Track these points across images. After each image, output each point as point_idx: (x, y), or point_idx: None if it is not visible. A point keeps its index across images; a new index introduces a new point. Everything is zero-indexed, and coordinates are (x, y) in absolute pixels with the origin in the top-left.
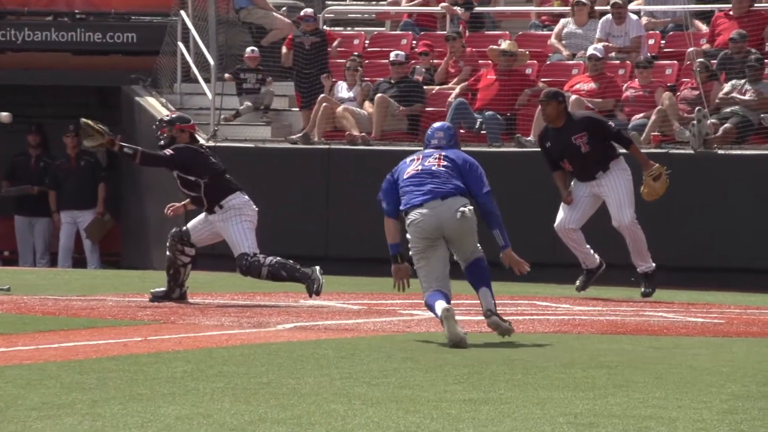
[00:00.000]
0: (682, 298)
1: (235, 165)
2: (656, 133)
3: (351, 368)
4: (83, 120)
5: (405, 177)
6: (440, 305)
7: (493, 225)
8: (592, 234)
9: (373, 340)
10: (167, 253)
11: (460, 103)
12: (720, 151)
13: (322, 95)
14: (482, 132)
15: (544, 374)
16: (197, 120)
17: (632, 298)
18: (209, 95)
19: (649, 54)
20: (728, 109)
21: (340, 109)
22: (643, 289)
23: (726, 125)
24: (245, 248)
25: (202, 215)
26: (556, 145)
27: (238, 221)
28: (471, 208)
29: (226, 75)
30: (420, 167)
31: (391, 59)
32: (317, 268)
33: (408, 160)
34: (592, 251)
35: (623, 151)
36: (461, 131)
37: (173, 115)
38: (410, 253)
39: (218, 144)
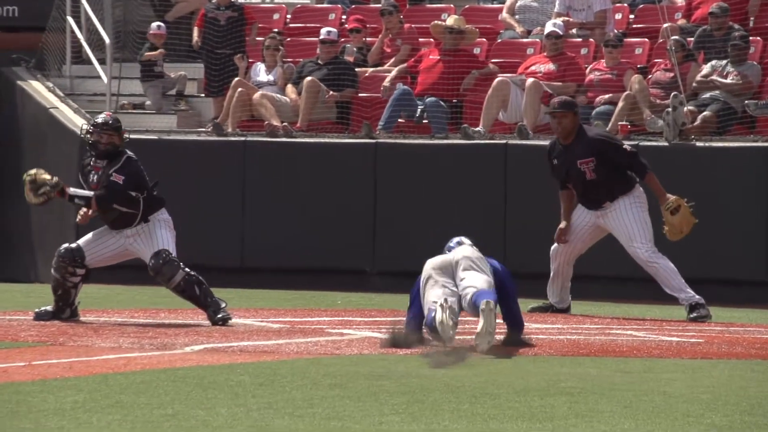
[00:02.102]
0: (655, 313)
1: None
2: (624, 123)
3: (270, 397)
4: (26, 178)
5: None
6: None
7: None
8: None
9: (296, 363)
10: (53, 273)
11: (404, 92)
12: (698, 143)
13: (236, 79)
14: (424, 121)
15: (494, 403)
16: (91, 108)
17: (597, 314)
18: (104, 79)
19: (616, 31)
20: (707, 95)
21: (257, 95)
22: (689, 316)
23: (705, 113)
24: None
25: (100, 231)
26: (561, 166)
27: (165, 229)
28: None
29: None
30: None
31: (321, 37)
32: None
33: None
34: (569, 293)
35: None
36: (400, 121)
37: (111, 118)
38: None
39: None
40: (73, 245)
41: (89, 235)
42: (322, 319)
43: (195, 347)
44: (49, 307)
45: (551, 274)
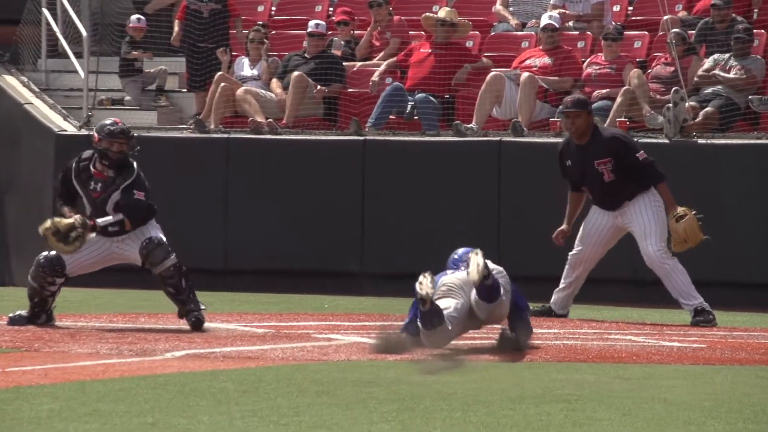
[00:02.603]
0: (655, 317)
1: None
2: (623, 119)
3: (255, 404)
4: (46, 233)
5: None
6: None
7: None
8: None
9: (281, 370)
10: (31, 281)
11: (396, 88)
12: (700, 140)
13: (219, 73)
14: (415, 117)
15: (488, 411)
16: (67, 103)
17: (595, 318)
18: (81, 74)
19: (614, 23)
20: (709, 90)
21: (241, 90)
22: (693, 320)
23: (707, 109)
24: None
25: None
26: (576, 167)
27: (156, 228)
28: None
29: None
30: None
31: (308, 30)
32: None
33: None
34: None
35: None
36: (391, 117)
37: (125, 126)
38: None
39: (92, 133)
40: (53, 254)
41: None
42: (309, 324)
43: (176, 353)
44: (23, 312)
45: (566, 282)
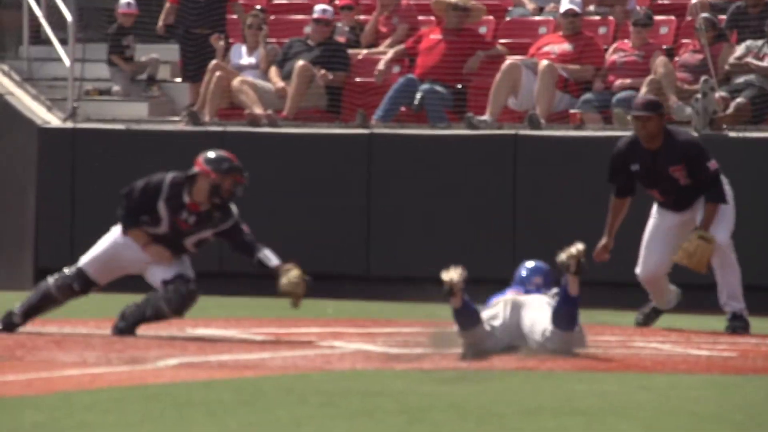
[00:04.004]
0: (682, 323)
1: (101, 152)
2: None
3: (253, 416)
4: (292, 290)
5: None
6: None
7: None
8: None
9: (281, 379)
10: (53, 290)
11: (408, 81)
12: (731, 134)
13: (213, 62)
14: (424, 108)
15: (502, 423)
16: (51, 94)
17: (618, 324)
18: (66, 62)
19: (639, 7)
20: (741, 79)
21: (237, 80)
22: (730, 324)
23: (739, 100)
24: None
25: (115, 247)
26: (646, 173)
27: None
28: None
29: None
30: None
31: (315, 16)
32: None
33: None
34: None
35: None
36: (402, 109)
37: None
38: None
39: (78, 125)
40: (90, 272)
41: (103, 254)
42: (311, 330)
43: (169, 362)
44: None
45: (653, 295)
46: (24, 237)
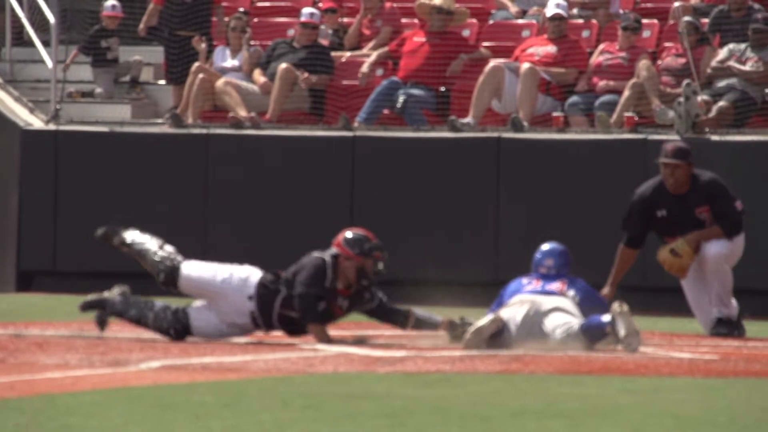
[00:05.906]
0: (664, 326)
1: (85, 155)
2: (630, 114)
3: (236, 419)
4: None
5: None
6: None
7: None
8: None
9: (264, 382)
10: (152, 323)
11: (391, 84)
12: (713, 137)
13: (196, 64)
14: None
15: (486, 426)
16: (34, 96)
17: None
18: (49, 64)
19: (622, 11)
20: (724, 83)
21: (220, 82)
22: (714, 329)
23: (721, 103)
24: None
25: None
26: (673, 217)
27: None
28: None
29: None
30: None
31: (302, 19)
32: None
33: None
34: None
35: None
36: (385, 112)
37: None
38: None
39: (61, 128)
40: (198, 325)
41: (209, 311)
42: None
43: (151, 364)
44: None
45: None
46: (6, 239)
